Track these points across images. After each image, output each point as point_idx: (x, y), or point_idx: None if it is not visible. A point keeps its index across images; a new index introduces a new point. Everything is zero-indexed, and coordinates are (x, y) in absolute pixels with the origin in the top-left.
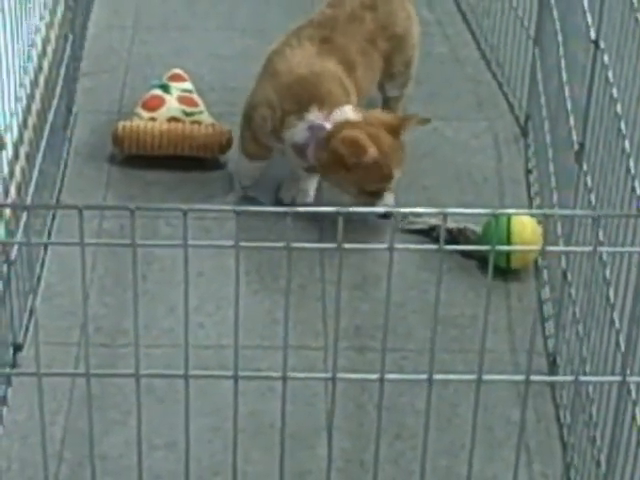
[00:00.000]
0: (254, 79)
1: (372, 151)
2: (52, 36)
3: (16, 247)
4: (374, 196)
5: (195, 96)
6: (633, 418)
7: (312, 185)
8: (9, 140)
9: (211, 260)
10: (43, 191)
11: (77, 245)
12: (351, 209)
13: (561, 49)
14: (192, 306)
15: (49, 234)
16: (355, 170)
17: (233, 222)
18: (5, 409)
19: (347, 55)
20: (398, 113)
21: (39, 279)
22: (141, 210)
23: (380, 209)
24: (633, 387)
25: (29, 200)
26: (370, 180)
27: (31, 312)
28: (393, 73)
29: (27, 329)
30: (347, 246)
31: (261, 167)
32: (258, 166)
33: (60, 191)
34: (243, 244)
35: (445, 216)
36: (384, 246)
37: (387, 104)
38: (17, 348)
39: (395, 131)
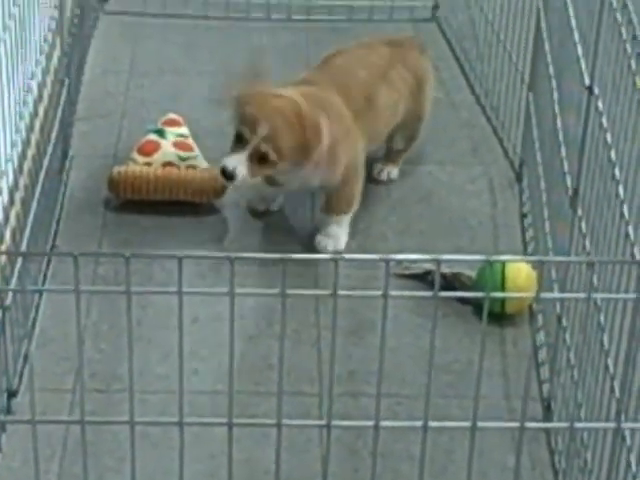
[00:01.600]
0: None
1: None
2: (48, 81)
3: (11, 293)
4: None
5: (190, 141)
6: (628, 464)
7: (343, 232)
8: (4, 185)
9: (206, 306)
10: (38, 236)
11: (72, 292)
12: (347, 256)
13: (555, 94)
14: (187, 352)
15: (44, 279)
16: None
17: (228, 267)
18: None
19: (365, 89)
20: (399, 161)
21: (34, 324)
22: (136, 257)
23: None
24: (628, 433)
25: (24, 246)
26: None
27: (25, 358)
28: (407, 119)
29: (21, 375)
30: (342, 292)
31: (274, 194)
32: (272, 191)
33: (55, 236)
34: (238, 291)
35: (439, 262)
36: (378, 293)
37: (389, 156)
38: (11, 394)
39: None
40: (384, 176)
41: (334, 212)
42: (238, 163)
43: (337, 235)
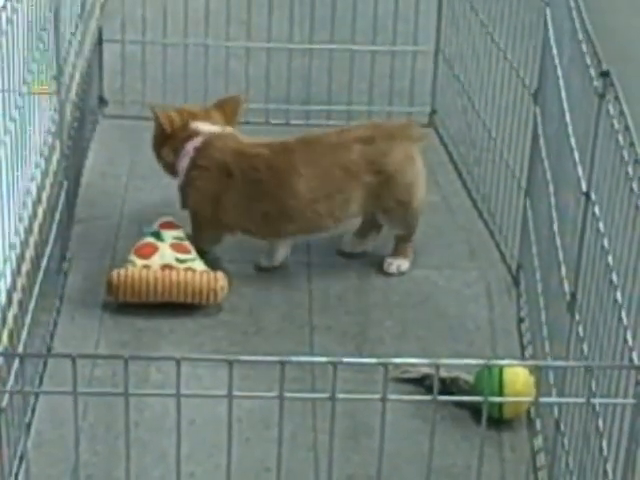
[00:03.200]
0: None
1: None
2: (47, 183)
3: (7, 394)
4: None
5: (187, 243)
6: None
7: (280, 250)
8: (2, 287)
9: (203, 408)
10: (35, 338)
11: (70, 394)
12: (345, 360)
13: (552, 199)
14: (183, 454)
15: (40, 380)
16: None
17: (225, 369)
18: None
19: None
20: (406, 252)
21: (30, 426)
22: (134, 359)
23: None
24: None
25: (21, 347)
26: None
27: (21, 459)
28: (385, 208)
29: (17, 476)
30: (340, 396)
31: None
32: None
33: (52, 337)
34: (236, 394)
35: (437, 367)
36: (377, 397)
37: (397, 248)
38: None
39: None
40: (394, 269)
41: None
42: None
43: (273, 252)
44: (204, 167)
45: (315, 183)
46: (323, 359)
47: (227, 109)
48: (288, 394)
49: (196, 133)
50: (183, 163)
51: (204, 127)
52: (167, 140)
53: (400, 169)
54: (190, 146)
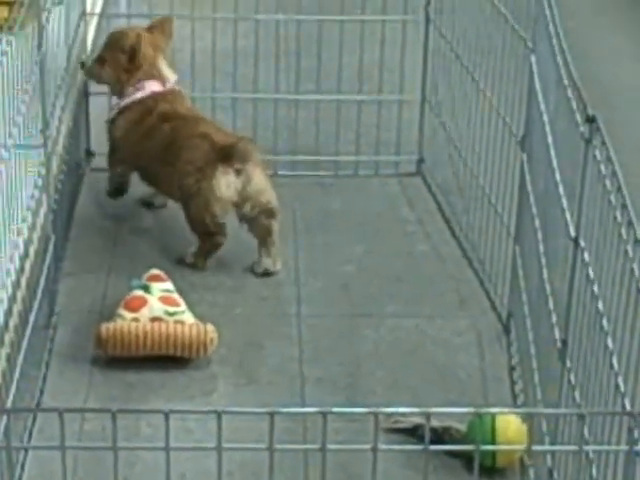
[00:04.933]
0: (233, 275)
1: None
2: (35, 237)
3: None
4: None
5: (176, 295)
6: None
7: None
8: None
9: (193, 461)
10: (24, 393)
11: (58, 449)
12: (336, 410)
13: (541, 246)
14: None
15: (30, 436)
16: None
17: (215, 422)
18: None
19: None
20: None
21: None
22: (122, 412)
23: None
24: None
25: (9, 402)
26: None
27: None
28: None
29: None
30: (331, 447)
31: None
32: None
33: (42, 392)
34: (225, 446)
35: (429, 415)
36: (368, 447)
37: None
38: None
39: None
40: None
41: None
42: None
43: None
44: (133, 110)
45: (151, 147)
46: (312, 410)
47: (166, 29)
48: (278, 446)
49: (160, 77)
50: (129, 96)
51: (155, 86)
52: (132, 68)
53: (184, 170)
54: (148, 89)
